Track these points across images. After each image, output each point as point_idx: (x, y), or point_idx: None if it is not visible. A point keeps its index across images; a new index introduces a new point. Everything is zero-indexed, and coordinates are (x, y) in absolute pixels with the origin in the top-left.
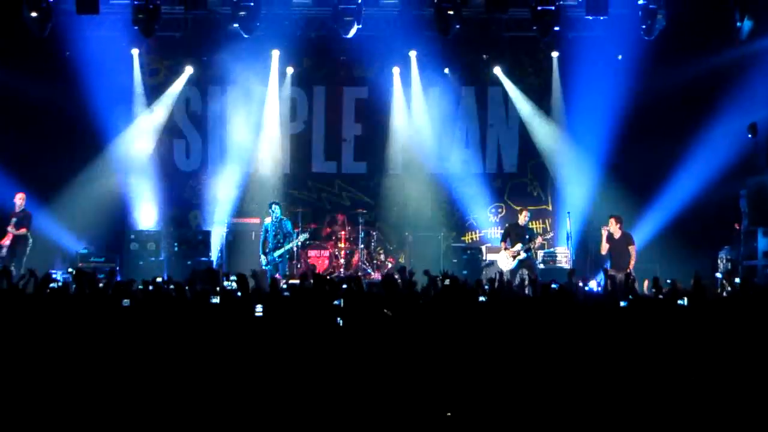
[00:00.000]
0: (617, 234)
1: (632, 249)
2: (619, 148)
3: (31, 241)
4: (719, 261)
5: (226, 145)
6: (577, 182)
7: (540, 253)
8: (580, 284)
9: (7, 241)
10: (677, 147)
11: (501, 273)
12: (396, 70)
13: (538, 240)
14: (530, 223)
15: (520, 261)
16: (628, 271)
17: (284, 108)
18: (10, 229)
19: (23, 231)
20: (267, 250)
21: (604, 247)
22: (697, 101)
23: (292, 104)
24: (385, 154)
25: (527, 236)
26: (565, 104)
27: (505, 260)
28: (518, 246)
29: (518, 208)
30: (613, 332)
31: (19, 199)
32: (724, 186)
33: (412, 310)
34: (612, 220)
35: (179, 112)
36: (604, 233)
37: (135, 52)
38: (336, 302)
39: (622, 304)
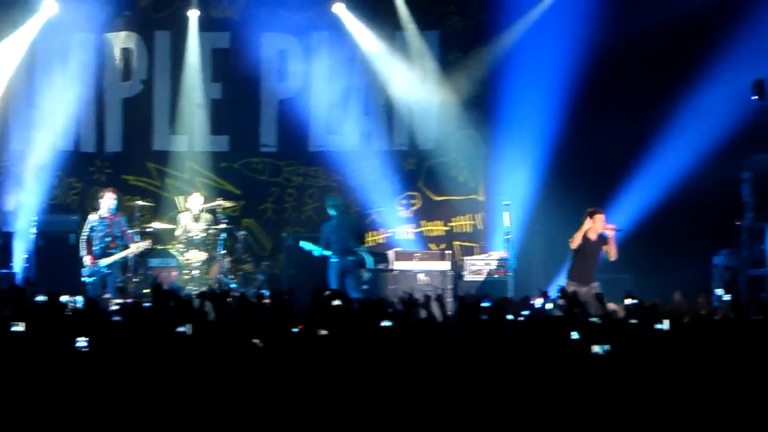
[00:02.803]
0: (595, 235)
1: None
2: (576, 118)
3: None
4: (714, 270)
5: (29, 108)
6: (518, 164)
7: (468, 263)
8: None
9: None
10: (655, 117)
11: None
12: None
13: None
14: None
15: None
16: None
17: (112, 62)
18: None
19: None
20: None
21: (577, 240)
22: (681, 53)
23: (125, 56)
24: (256, 126)
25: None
26: (496, 58)
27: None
28: None
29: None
30: (566, 372)
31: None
32: (720, 168)
33: (288, 340)
34: (602, 216)
35: None
36: (611, 232)
37: None
38: (182, 329)
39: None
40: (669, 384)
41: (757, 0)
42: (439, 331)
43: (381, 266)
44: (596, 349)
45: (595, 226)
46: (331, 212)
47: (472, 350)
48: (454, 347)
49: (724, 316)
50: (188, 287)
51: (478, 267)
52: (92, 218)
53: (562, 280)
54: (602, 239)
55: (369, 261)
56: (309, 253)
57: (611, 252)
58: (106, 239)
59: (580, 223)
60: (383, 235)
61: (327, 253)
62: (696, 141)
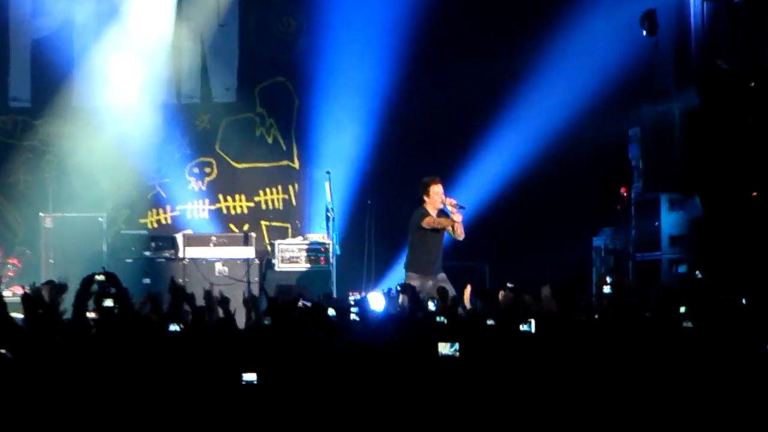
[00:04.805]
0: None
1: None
2: (418, 64)
3: None
4: (594, 253)
5: None
6: (343, 122)
7: (279, 248)
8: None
9: None
10: (520, 63)
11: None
12: None
13: None
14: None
15: None
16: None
17: None
18: None
19: None
20: None
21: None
22: None
23: None
24: (3, 75)
25: None
26: None
27: None
28: None
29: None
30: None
31: None
32: (602, 122)
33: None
34: (439, 187)
35: None
36: (452, 208)
37: None
38: None
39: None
40: (533, 395)
41: None
42: (245, 337)
43: (167, 254)
44: (445, 349)
45: (432, 201)
46: None
47: (286, 359)
48: (269, 355)
49: (603, 314)
50: None
51: (293, 254)
52: None
53: (400, 272)
54: (443, 216)
55: None
56: (77, 234)
57: (457, 231)
58: None
59: (420, 200)
60: (170, 214)
61: None
62: (571, 91)
